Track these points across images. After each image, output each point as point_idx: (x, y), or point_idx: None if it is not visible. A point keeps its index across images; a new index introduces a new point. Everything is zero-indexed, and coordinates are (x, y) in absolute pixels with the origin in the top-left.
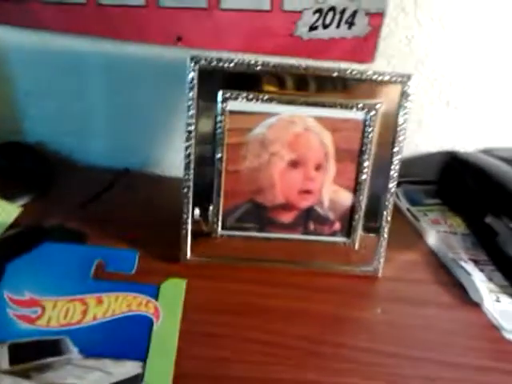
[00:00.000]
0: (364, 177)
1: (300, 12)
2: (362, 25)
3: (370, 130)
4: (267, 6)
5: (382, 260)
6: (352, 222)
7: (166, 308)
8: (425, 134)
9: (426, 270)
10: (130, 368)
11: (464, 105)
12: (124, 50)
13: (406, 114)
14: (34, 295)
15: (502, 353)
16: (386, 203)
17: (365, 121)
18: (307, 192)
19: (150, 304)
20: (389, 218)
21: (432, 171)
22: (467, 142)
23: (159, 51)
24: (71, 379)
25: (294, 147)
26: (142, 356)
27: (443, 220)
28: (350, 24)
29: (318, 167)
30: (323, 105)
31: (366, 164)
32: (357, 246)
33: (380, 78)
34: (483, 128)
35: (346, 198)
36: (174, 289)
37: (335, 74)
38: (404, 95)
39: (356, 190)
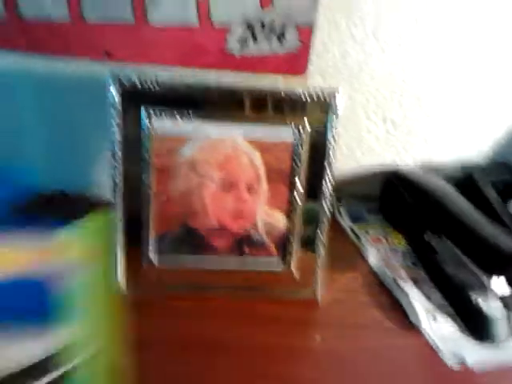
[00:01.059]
0: (297, 198)
1: (229, 26)
2: (292, 39)
3: (300, 149)
4: (195, 19)
5: (319, 283)
6: (288, 246)
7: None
8: (365, 150)
9: (366, 291)
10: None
11: (401, 119)
12: (53, 67)
13: (334, 128)
14: None
15: (442, 377)
16: (321, 224)
17: (294, 140)
18: (240, 215)
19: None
20: (324, 240)
21: (375, 187)
22: (406, 157)
23: (91, 68)
24: None
25: (224, 168)
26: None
27: (384, 238)
28: (281, 38)
29: (250, 189)
30: (252, 125)
31: (298, 184)
32: (293, 270)
33: (306, 95)
34: (422, 142)
35: (280, 221)
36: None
37: (263, 94)
38: (331, 110)
39: (290, 211)
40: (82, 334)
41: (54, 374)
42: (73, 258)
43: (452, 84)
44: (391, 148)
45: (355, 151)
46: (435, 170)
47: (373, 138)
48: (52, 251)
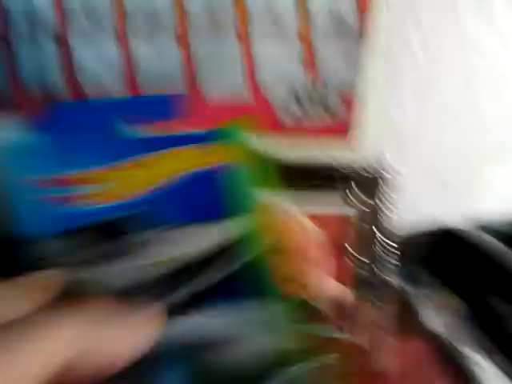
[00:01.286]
0: (356, 269)
1: (275, 91)
2: (337, 105)
3: (351, 217)
4: (242, 85)
5: (384, 357)
6: (350, 317)
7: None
8: (417, 211)
9: (429, 360)
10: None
11: (451, 178)
12: None
13: (386, 197)
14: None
15: None
16: (382, 294)
17: (345, 208)
18: (299, 284)
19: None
20: (385, 308)
21: (426, 247)
22: (452, 212)
23: None
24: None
25: (276, 235)
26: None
27: (442, 300)
28: (326, 104)
29: (309, 258)
30: (308, 198)
31: (357, 255)
32: (358, 342)
33: (354, 163)
34: (467, 197)
35: (337, 290)
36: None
37: (312, 164)
38: (380, 175)
39: (346, 279)
40: (253, 230)
41: (228, 266)
42: (238, 157)
43: (495, 134)
44: (437, 204)
45: (409, 212)
46: (482, 225)
47: (425, 198)
48: (221, 151)
